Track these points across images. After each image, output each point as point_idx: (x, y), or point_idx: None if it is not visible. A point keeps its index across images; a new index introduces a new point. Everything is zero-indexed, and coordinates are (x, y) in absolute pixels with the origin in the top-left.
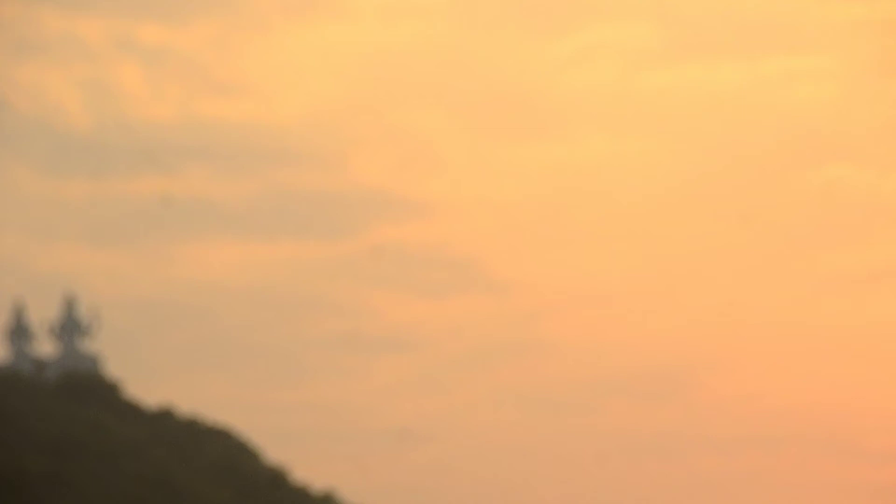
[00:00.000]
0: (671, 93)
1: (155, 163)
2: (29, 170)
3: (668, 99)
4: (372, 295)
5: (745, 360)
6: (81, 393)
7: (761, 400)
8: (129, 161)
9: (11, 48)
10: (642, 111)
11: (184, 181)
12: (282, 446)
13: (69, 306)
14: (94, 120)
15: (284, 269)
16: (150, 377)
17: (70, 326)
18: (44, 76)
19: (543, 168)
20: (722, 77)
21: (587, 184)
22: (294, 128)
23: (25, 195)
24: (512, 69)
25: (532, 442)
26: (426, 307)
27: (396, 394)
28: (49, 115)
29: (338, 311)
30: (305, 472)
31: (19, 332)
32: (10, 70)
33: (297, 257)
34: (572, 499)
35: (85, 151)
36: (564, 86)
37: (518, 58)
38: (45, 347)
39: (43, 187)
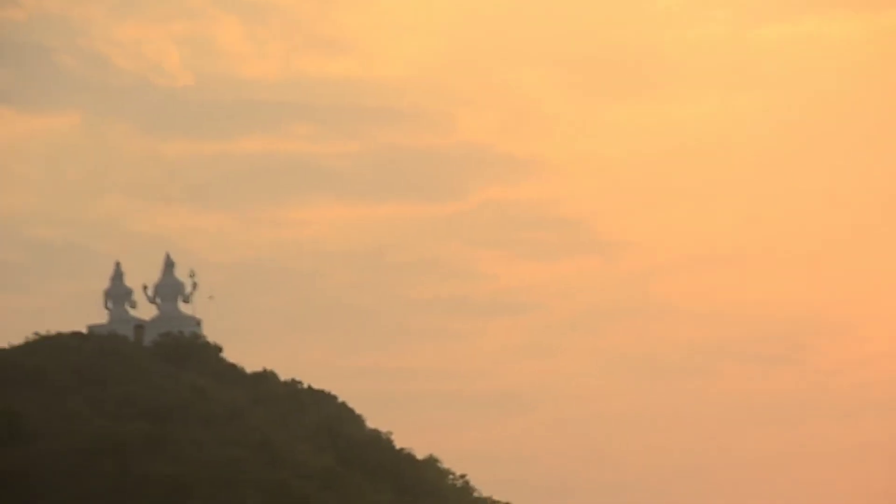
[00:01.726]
0: (786, 46)
1: (257, 122)
2: (128, 128)
3: (783, 52)
4: (478, 257)
5: (866, 322)
6: (180, 356)
7: (882, 364)
8: (229, 120)
9: (110, 6)
10: (756, 65)
11: (286, 140)
12: (384, 411)
13: (168, 269)
14: (194, 78)
15: (389, 230)
16: (251, 340)
17: (169, 289)
18: (143, 33)
19: (653, 125)
20: (839, 29)
21: (699, 140)
22: (398, 85)
23: (125, 154)
24: (620, 24)
25: (643, 407)
26: (534, 269)
27: (503, 359)
28: (148, 72)
29: (443, 273)
30: (408, 437)
31: (118, 294)
32: (110, 28)
33: (401, 218)
34: (684, 467)
35: (185, 110)
36: (674, 40)
37: (627, 12)
38: (144, 310)
39: (142, 146)
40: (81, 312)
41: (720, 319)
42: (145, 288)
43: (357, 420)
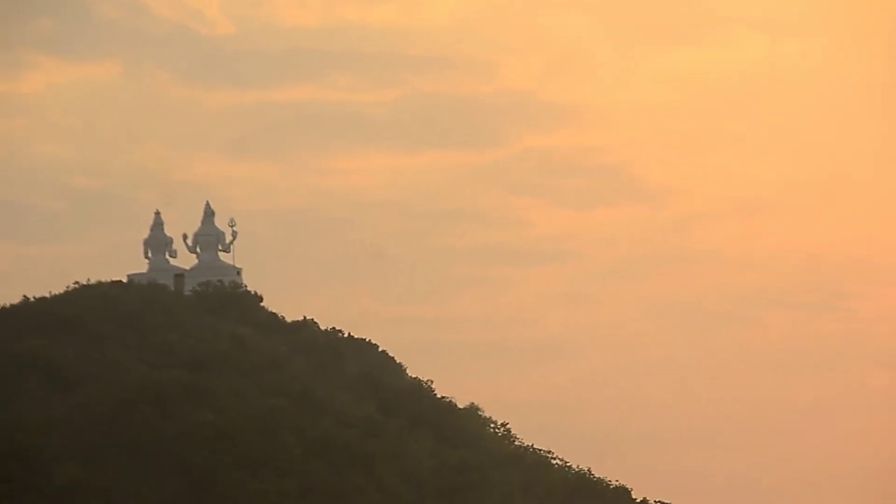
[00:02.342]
0: None
1: (298, 71)
2: (169, 77)
3: None
4: (518, 205)
5: None
6: (220, 305)
7: None
8: (270, 69)
9: None
10: (804, 8)
11: (326, 89)
12: (425, 360)
13: (208, 218)
14: (234, 26)
15: (428, 179)
16: (291, 289)
17: (209, 238)
18: None
19: (698, 71)
20: None
21: (744, 87)
22: (440, 33)
23: (166, 103)
24: None
25: (684, 355)
26: (575, 217)
27: (544, 307)
28: (189, 20)
29: (483, 222)
30: (449, 386)
31: (158, 242)
32: None
33: (441, 167)
34: (726, 415)
35: (225, 59)
36: None
37: None
38: (184, 259)
39: (183, 95)
40: (121, 262)
41: (763, 267)
42: (185, 237)
43: (398, 369)
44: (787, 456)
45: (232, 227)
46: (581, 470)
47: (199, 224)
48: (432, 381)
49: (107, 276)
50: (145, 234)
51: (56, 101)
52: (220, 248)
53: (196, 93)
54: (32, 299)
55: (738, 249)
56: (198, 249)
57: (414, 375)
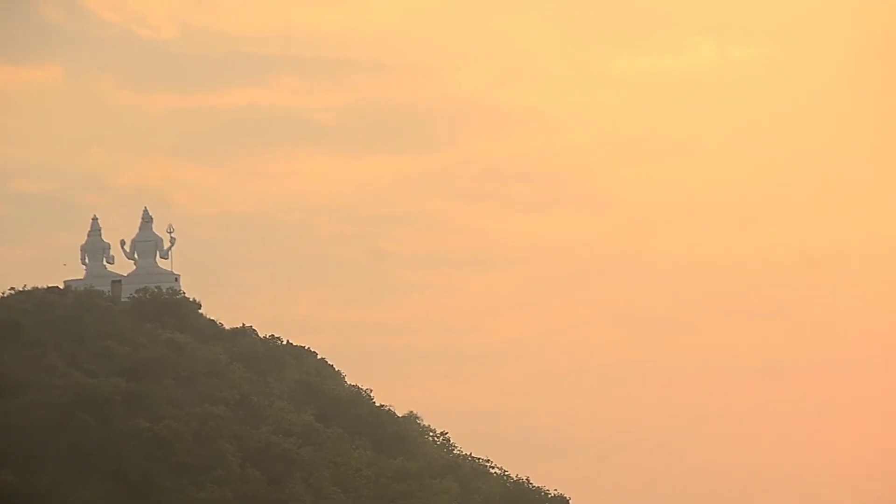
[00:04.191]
0: None
1: (241, 75)
2: (112, 81)
3: (778, 4)
4: (465, 210)
5: (858, 273)
6: (158, 312)
7: (872, 322)
8: (214, 73)
9: None
10: (750, 17)
11: (272, 93)
12: (365, 368)
13: (146, 224)
14: (179, 30)
15: (374, 183)
16: (230, 295)
17: (147, 244)
18: None
19: (646, 77)
20: None
21: (691, 93)
22: (388, 38)
23: (108, 107)
24: None
25: (629, 361)
26: (523, 222)
27: (489, 314)
28: (132, 24)
29: (429, 227)
30: (389, 394)
31: (95, 249)
32: None
33: (387, 171)
34: (670, 420)
35: (169, 63)
36: None
37: None
38: (122, 266)
39: (126, 99)
40: (59, 267)
41: (710, 273)
42: (122, 243)
43: (337, 376)
44: (734, 464)
45: (170, 233)
46: (519, 478)
47: (137, 230)
48: (371, 389)
49: (45, 282)
50: (82, 239)
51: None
52: (158, 254)
53: (139, 97)
54: None
55: (685, 255)
56: (135, 255)
57: (353, 383)
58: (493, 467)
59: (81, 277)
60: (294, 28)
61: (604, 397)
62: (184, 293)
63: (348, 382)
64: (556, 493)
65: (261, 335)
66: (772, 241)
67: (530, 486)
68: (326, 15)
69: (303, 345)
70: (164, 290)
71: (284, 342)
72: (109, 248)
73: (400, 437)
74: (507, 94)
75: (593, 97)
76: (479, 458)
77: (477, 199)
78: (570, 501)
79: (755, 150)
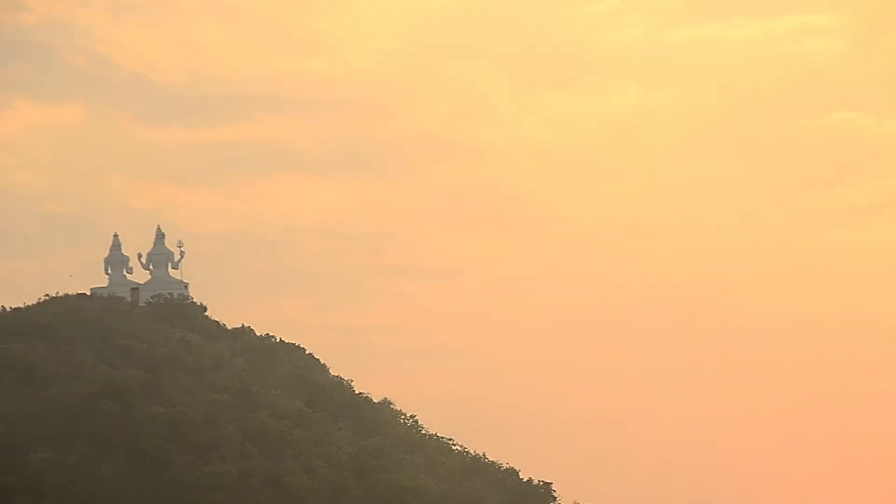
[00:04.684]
0: (694, 47)
1: (238, 113)
2: (128, 118)
3: (691, 53)
4: (427, 229)
5: (760, 281)
6: (170, 315)
7: (775, 318)
8: (214, 111)
9: (111, 11)
10: (668, 64)
11: (263, 128)
12: (346, 361)
13: (159, 239)
14: (185, 74)
15: (350, 206)
16: (231, 300)
17: (160, 257)
18: (140, 35)
19: (579, 115)
20: (739, 33)
21: (618, 129)
22: (361, 81)
23: (125, 140)
24: (552, 26)
25: (565, 358)
26: (475, 239)
27: (448, 316)
28: (144, 69)
29: (396, 242)
30: (366, 383)
31: (116, 261)
32: (110, 30)
33: (361, 196)
34: (600, 408)
35: (176, 102)
36: (598, 42)
37: (557, 16)
38: (139, 275)
39: (140, 133)
40: (85, 277)
41: (635, 282)
42: (140, 256)
43: (322, 368)
44: (655, 442)
45: (180, 247)
46: (477, 454)
47: (152, 245)
48: (352, 380)
49: (73, 290)
50: (105, 253)
51: (30, 139)
52: (170, 265)
53: (151, 131)
54: (9, 309)
55: (614, 268)
56: (150, 267)
57: (336, 374)
58: (454, 445)
59: (105, 285)
60: (281, 73)
61: (541, 386)
62: (192, 299)
63: (332, 374)
64: (507, 465)
65: (258, 334)
66: (684, 253)
67: (486, 460)
68: (308, 62)
69: (293, 342)
70: (176, 296)
71: (278, 340)
72: (129, 261)
73: (376, 419)
74: (461, 129)
75: (534, 131)
76: (442, 437)
77: (436, 218)
78: (519, 472)
79: (671, 176)
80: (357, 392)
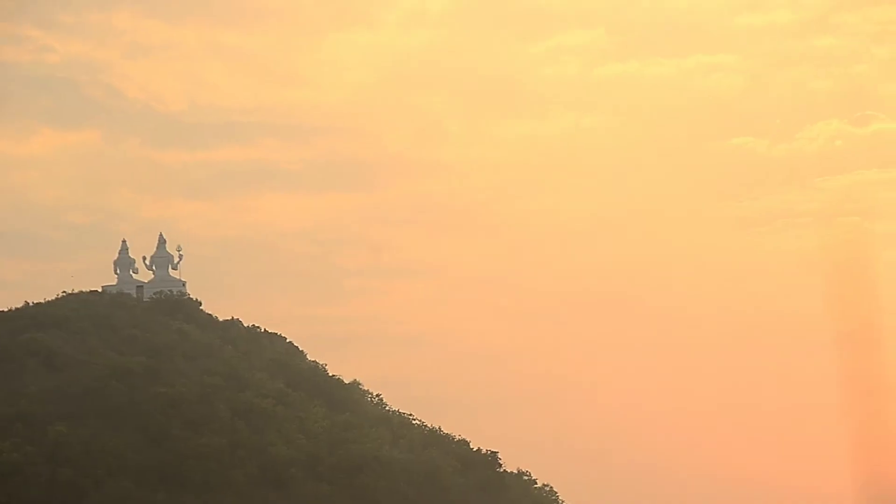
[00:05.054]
0: (618, 82)
1: (232, 137)
2: (137, 142)
3: (616, 86)
4: (394, 234)
5: (674, 278)
6: (170, 309)
7: (687, 308)
8: (213, 135)
9: (125, 51)
10: (597, 96)
11: (254, 150)
12: (321, 348)
13: (161, 244)
14: (187, 104)
15: (329, 215)
16: (222, 296)
17: (162, 260)
18: (149, 71)
19: (524, 138)
20: (655, 70)
21: (557, 149)
22: (337, 109)
23: (135, 161)
24: (500, 64)
25: (511, 343)
26: (434, 243)
27: (410, 309)
28: (152, 101)
29: (368, 246)
30: (338, 367)
31: (124, 263)
32: (123, 67)
33: (338, 206)
34: (545, 392)
35: (179, 128)
36: (539, 77)
37: (504, 56)
38: (143, 275)
39: (147, 155)
40: (97, 276)
41: (570, 276)
42: (144, 259)
43: (301, 355)
44: (589, 412)
45: (179, 251)
46: (434, 427)
47: (155, 249)
48: (326, 364)
49: (87, 287)
50: (115, 256)
51: (54, 159)
52: (170, 266)
53: (156, 153)
54: (32, 304)
55: (554, 264)
56: (153, 268)
57: (312, 359)
58: (414, 420)
59: (114, 284)
60: (269, 103)
61: (490, 369)
62: (189, 295)
63: (309, 359)
64: (460, 437)
65: (245, 325)
66: (611, 254)
67: (441, 432)
68: (294, 93)
69: (276, 332)
70: (175, 293)
71: (262, 330)
72: (134, 263)
73: (346, 398)
74: (423, 150)
75: (485, 152)
76: (404, 413)
77: (403, 225)
78: (470, 443)
79: (599, 189)
80: (330, 375)
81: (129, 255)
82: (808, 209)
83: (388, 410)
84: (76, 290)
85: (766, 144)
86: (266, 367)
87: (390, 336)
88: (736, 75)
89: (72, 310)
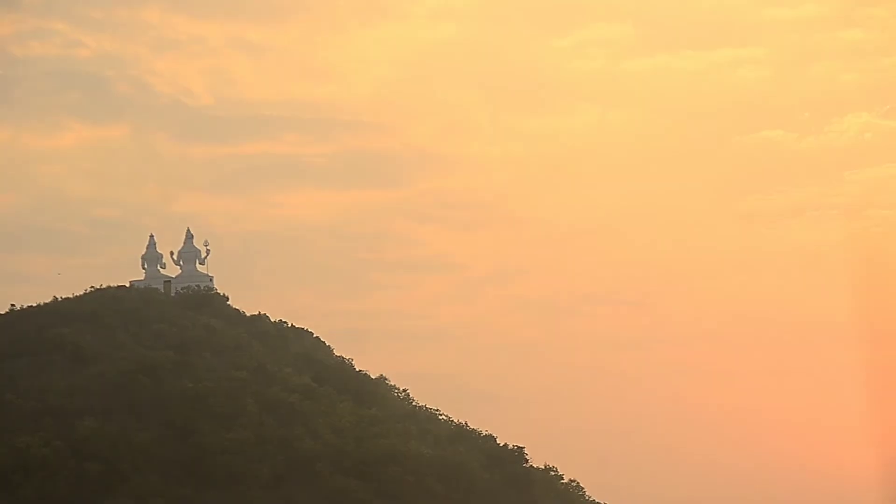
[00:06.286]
0: (645, 76)
1: (259, 132)
2: (165, 137)
3: (643, 80)
4: (418, 229)
5: (702, 272)
6: (197, 303)
7: (715, 302)
8: (239, 130)
9: (153, 46)
10: (623, 90)
11: (280, 144)
12: (348, 343)
13: (189, 239)
14: (214, 99)
15: (354, 210)
16: (250, 291)
17: (189, 254)
18: (177, 66)
19: (549, 132)
20: (683, 63)
21: (581, 144)
22: (363, 104)
23: (162, 156)
24: (525, 58)
25: (538, 339)
26: (459, 238)
27: (436, 304)
28: (180, 95)
29: (393, 241)
30: (365, 362)
31: (152, 258)
32: (152, 62)
33: (363, 202)
34: (571, 387)
35: (206, 123)
36: (564, 71)
37: (530, 50)
38: (171, 270)
39: (175, 149)
40: (126, 271)
41: (595, 270)
42: (172, 253)
43: (327, 349)
44: (611, 408)
45: (206, 246)
46: (460, 423)
47: (182, 243)
48: (352, 359)
49: (115, 282)
50: (142, 251)
51: (83, 154)
52: (197, 261)
53: (184, 147)
54: (60, 298)
55: (578, 261)
56: (181, 262)
57: (339, 354)
58: (440, 415)
59: (142, 279)
60: (295, 98)
61: (515, 363)
62: (216, 290)
63: (336, 354)
64: (486, 432)
65: (272, 320)
66: (638, 249)
67: (467, 427)
68: (318, 88)
69: (303, 327)
70: (202, 288)
71: (289, 325)
72: (162, 258)
73: (373, 393)
74: (449, 144)
75: (510, 147)
76: (430, 408)
77: (428, 220)
78: (497, 438)
79: (625, 185)
80: (357, 369)
81: (157, 249)
82: (838, 202)
83: (415, 405)
84: (104, 286)
85: (795, 138)
86: (293, 361)
87: (416, 330)
88: (764, 68)
89: (99, 305)
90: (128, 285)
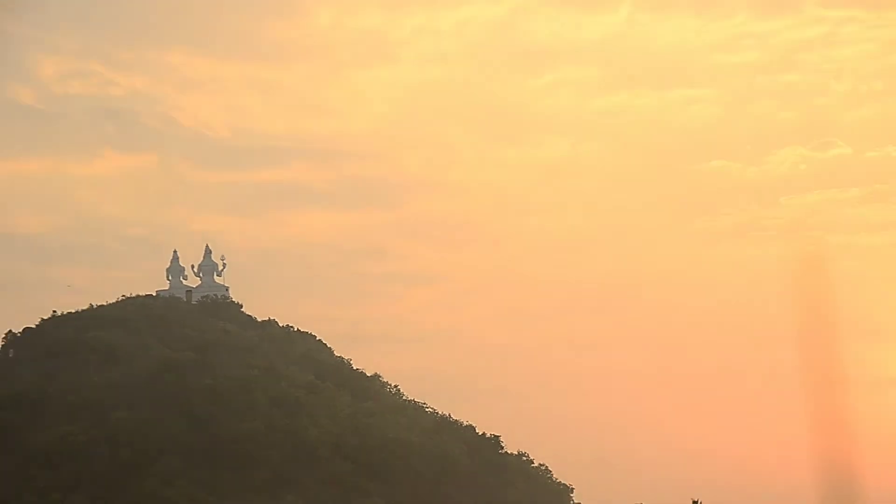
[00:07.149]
0: (609, 112)
1: (270, 160)
2: (188, 164)
3: (607, 116)
4: (412, 246)
5: (660, 283)
6: (215, 310)
7: (671, 309)
8: (253, 159)
9: (177, 85)
10: (590, 125)
11: (289, 171)
12: (347, 345)
13: (208, 254)
14: (230, 132)
15: (353, 229)
16: (261, 299)
17: (208, 268)
18: (198, 103)
19: (525, 161)
20: (642, 102)
21: (554, 172)
22: (362, 136)
23: (186, 181)
24: (504, 96)
25: (512, 342)
26: (445, 253)
27: (425, 312)
28: (201, 128)
29: (389, 257)
30: (361, 362)
31: (175, 270)
32: (177, 99)
33: (361, 221)
34: (541, 384)
35: (225, 153)
36: (538, 107)
37: (508, 89)
38: (192, 281)
39: (198, 176)
40: (153, 282)
41: (566, 282)
42: (193, 267)
43: (328, 350)
44: (584, 401)
45: (223, 260)
46: (444, 414)
47: (202, 258)
48: (351, 359)
49: (143, 291)
50: (167, 264)
51: (116, 179)
52: (215, 274)
53: (205, 174)
54: (95, 306)
55: (548, 272)
56: (201, 275)
57: (339, 355)
58: (427, 407)
59: (167, 288)
60: (303, 131)
61: (494, 362)
62: (231, 299)
63: (336, 354)
64: (467, 423)
65: (280, 325)
66: (602, 264)
67: (451, 419)
68: (324, 122)
69: (307, 330)
70: (219, 297)
71: (295, 329)
72: (184, 270)
73: (369, 388)
74: (437, 171)
75: (491, 174)
76: (418, 402)
77: (418, 238)
78: (476, 428)
79: (592, 207)
80: (354, 368)
81: (180, 263)
82: (776, 224)
83: (405, 399)
84: (133, 294)
85: (740, 167)
86: (298, 361)
87: (407, 334)
88: (713, 106)
89: (130, 311)
90: (154, 294)
